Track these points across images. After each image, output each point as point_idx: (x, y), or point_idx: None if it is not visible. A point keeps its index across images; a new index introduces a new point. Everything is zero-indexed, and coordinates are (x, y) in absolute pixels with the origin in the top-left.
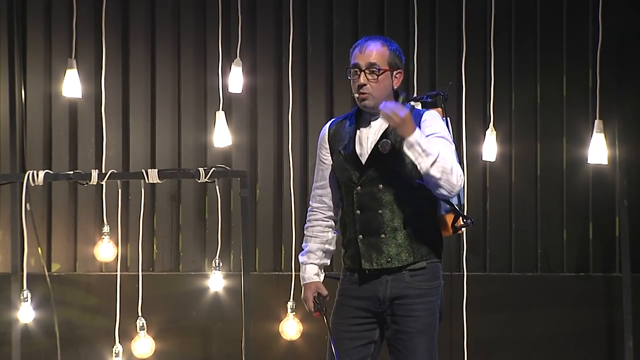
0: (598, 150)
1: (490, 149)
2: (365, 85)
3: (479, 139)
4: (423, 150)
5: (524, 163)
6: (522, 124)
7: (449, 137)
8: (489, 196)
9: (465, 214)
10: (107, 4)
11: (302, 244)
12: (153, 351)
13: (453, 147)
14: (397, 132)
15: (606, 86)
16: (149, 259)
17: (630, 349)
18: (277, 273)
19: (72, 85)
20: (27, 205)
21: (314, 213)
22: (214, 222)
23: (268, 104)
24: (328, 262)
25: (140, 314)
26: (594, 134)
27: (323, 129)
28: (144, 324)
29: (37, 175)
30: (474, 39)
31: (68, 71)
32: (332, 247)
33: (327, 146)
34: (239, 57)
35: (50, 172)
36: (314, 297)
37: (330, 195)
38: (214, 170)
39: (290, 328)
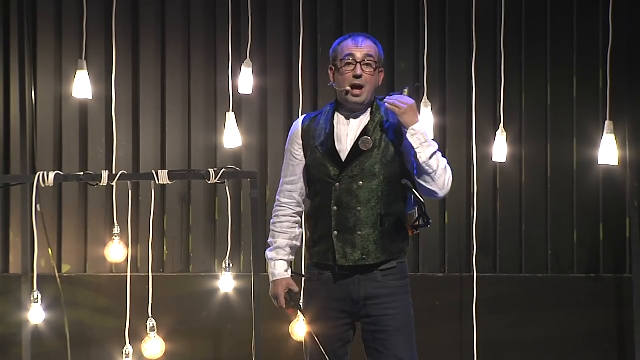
0: (608, 151)
1: (500, 149)
2: (361, 76)
3: (489, 140)
4: (425, 140)
5: (535, 164)
6: (533, 124)
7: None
8: (499, 197)
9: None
10: (117, 5)
11: (268, 239)
12: (163, 352)
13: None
14: (402, 120)
15: (617, 87)
16: (159, 260)
17: None
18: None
19: (82, 86)
20: (38, 206)
21: (283, 208)
22: (224, 223)
23: (278, 104)
24: (293, 257)
25: (150, 315)
26: (605, 134)
27: (295, 124)
28: (154, 325)
29: (48, 176)
30: (484, 39)
31: (78, 72)
32: (298, 243)
33: (300, 142)
34: (249, 58)
35: (61, 173)
36: (285, 294)
37: (300, 191)
38: (224, 171)
39: (301, 329)
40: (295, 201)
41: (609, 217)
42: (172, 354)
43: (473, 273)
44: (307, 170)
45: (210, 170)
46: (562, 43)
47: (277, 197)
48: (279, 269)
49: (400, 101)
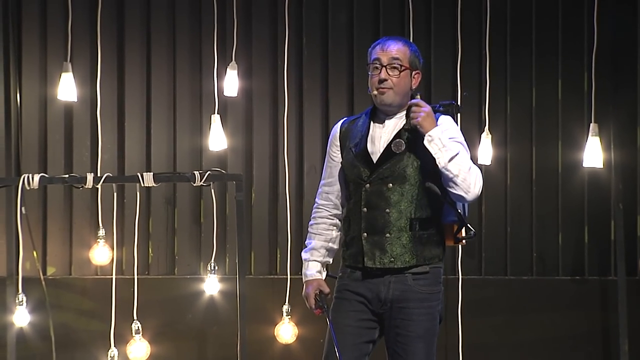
0: (593, 153)
1: (485, 152)
2: (386, 80)
3: (475, 143)
4: (443, 145)
5: (520, 166)
6: (518, 127)
7: (465, 144)
8: (484, 199)
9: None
10: (102, 7)
11: (305, 240)
12: (148, 355)
13: (469, 154)
14: (421, 127)
15: (601, 90)
16: (144, 262)
17: (626, 353)
18: (272, 276)
19: (67, 88)
20: (23, 208)
21: (320, 210)
22: (210, 226)
23: (263, 107)
24: (330, 260)
25: (135, 317)
26: (590, 137)
27: (335, 126)
28: (140, 328)
29: (33, 178)
30: (469, 43)
31: (63, 74)
32: (335, 246)
33: (338, 144)
34: (235, 60)
35: (46, 175)
36: (316, 295)
37: (337, 193)
38: (209, 173)
39: (286, 332)
40: (332, 203)
41: (593, 220)
42: (157, 356)
43: (458, 275)
44: (342, 172)
45: (195, 172)
46: (546, 46)
47: (316, 199)
48: (311, 269)
49: (418, 107)
